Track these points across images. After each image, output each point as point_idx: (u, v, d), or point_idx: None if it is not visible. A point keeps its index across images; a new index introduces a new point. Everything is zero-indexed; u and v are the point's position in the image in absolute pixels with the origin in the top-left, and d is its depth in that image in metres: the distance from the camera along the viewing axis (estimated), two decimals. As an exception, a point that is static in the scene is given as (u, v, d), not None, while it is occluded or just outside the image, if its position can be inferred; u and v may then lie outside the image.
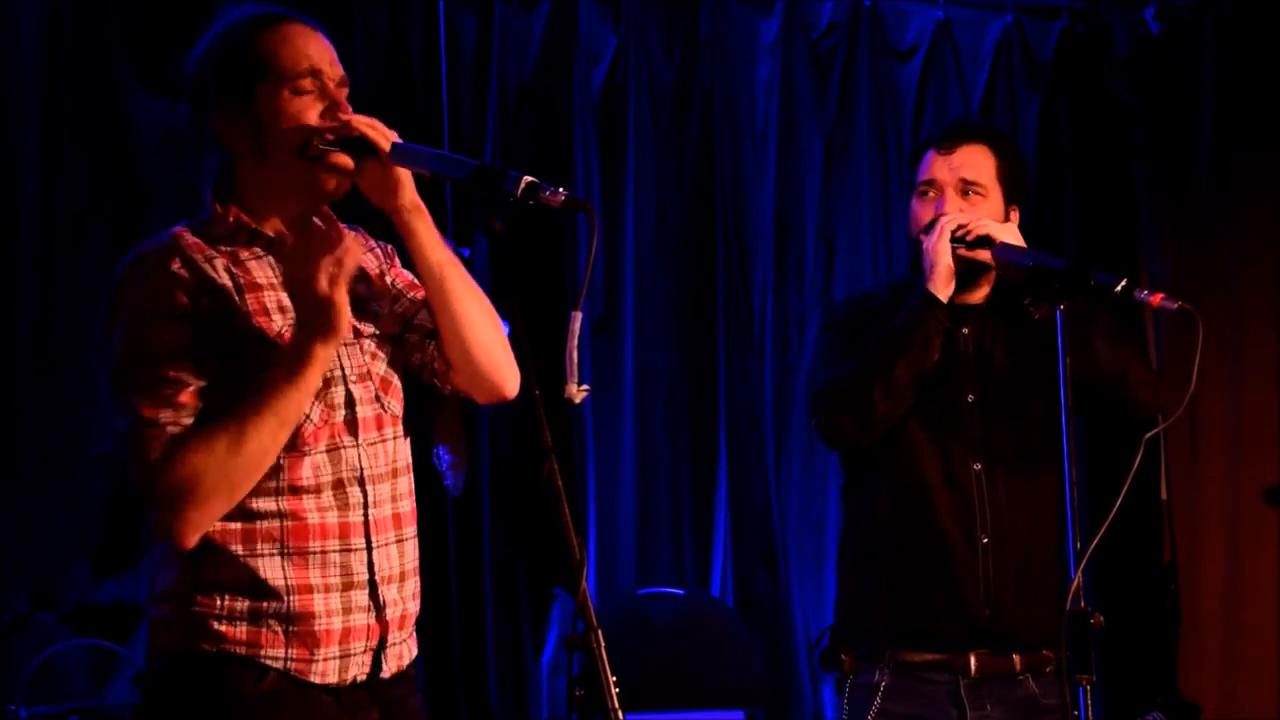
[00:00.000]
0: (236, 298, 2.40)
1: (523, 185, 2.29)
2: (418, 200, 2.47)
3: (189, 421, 2.34)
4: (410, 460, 2.59)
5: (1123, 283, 3.08)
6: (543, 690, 5.12)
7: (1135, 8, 5.67)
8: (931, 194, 3.35)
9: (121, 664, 4.54)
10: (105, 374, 2.38)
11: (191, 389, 2.35)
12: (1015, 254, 3.25)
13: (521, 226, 4.82)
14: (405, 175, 2.44)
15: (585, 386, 2.29)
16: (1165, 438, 5.31)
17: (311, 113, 2.43)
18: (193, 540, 2.34)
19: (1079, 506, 3.03)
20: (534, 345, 2.32)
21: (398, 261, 2.60)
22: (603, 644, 2.23)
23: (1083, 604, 2.93)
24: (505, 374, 2.55)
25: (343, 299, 2.33)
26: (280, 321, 2.41)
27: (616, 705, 2.20)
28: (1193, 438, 5.54)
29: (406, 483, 2.55)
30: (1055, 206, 5.55)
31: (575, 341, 2.26)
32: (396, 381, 2.54)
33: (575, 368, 2.27)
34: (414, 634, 2.55)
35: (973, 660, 3.27)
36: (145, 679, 2.48)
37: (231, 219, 2.45)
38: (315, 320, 2.33)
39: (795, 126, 5.49)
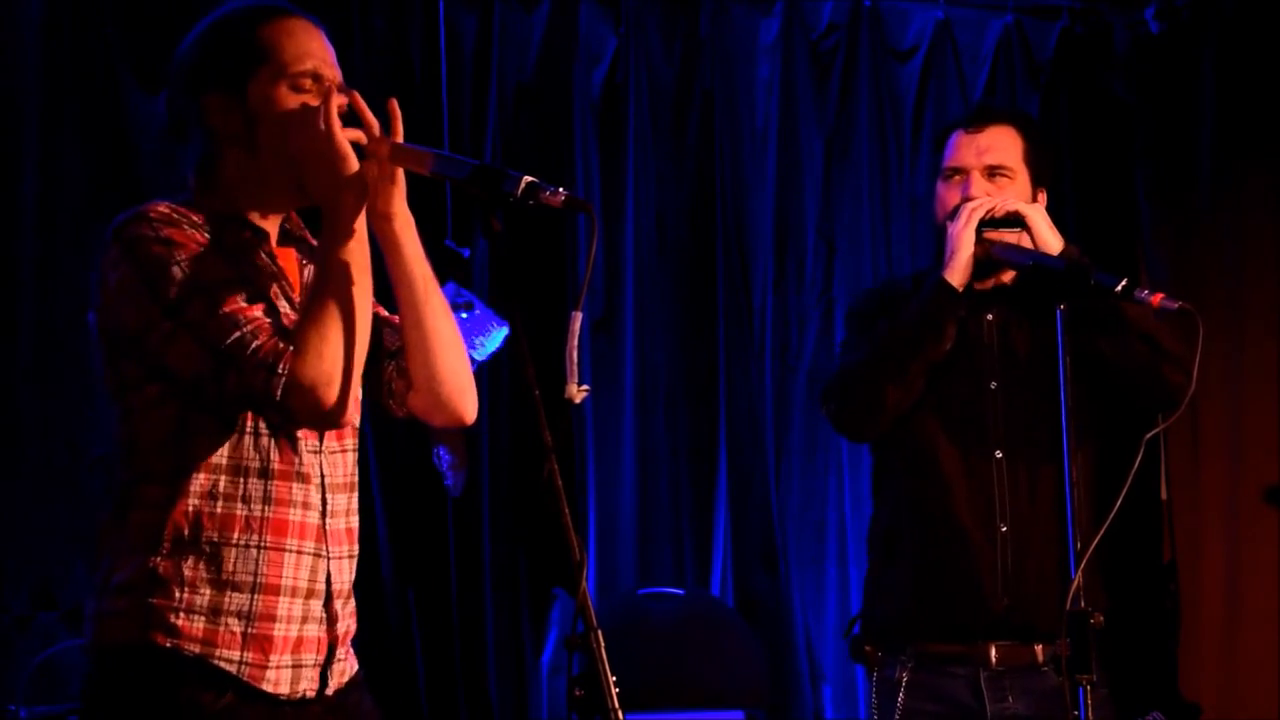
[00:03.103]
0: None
1: (523, 185, 2.27)
2: (408, 212, 2.43)
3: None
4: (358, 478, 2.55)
5: (1123, 282, 3.07)
6: (543, 690, 5.11)
7: (1135, 8, 5.67)
8: (958, 178, 3.34)
9: (121, 664, 4.53)
10: (158, 314, 2.28)
11: (263, 305, 2.32)
12: (1015, 253, 3.25)
13: (521, 226, 4.82)
14: (400, 184, 2.41)
15: (585, 386, 2.28)
16: (1165, 438, 5.30)
17: None
18: (347, 411, 2.31)
19: (1093, 499, 3.02)
20: (534, 345, 2.31)
21: None
22: (603, 644, 2.22)
23: (1083, 604, 2.92)
24: (468, 400, 2.53)
25: (339, 136, 2.31)
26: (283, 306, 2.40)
27: (616, 705, 2.20)
28: (1193, 438, 5.54)
29: (356, 499, 2.51)
30: (1055, 206, 5.54)
31: (575, 341, 2.26)
32: (359, 392, 2.48)
33: (575, 368, 2.27)
34: (352, 651, 2.51)
35: (993, 651, 3.26)
36: (89, 678, 2.37)
37: (216, 209, 2.40)
38: (333, 172, 2.31)
39: (795, 126, 5.49)
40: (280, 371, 2.24)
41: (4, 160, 4.67)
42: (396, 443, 4.80)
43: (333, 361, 2.27)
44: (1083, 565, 2.95)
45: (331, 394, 2.27)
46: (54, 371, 4.63)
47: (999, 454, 3.28)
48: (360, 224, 2.35)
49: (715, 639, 4.91)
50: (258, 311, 2.29)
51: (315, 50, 2.42)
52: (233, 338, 2.25)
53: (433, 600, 4.97)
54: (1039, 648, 3.26)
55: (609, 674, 2.20)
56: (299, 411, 2.28)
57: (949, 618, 3.27)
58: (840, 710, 5.35)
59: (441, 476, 4.83)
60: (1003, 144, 3.33)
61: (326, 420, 2.31)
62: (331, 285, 2.30)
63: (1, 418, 4.61)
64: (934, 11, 5.61)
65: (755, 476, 5.36)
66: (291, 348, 2.26)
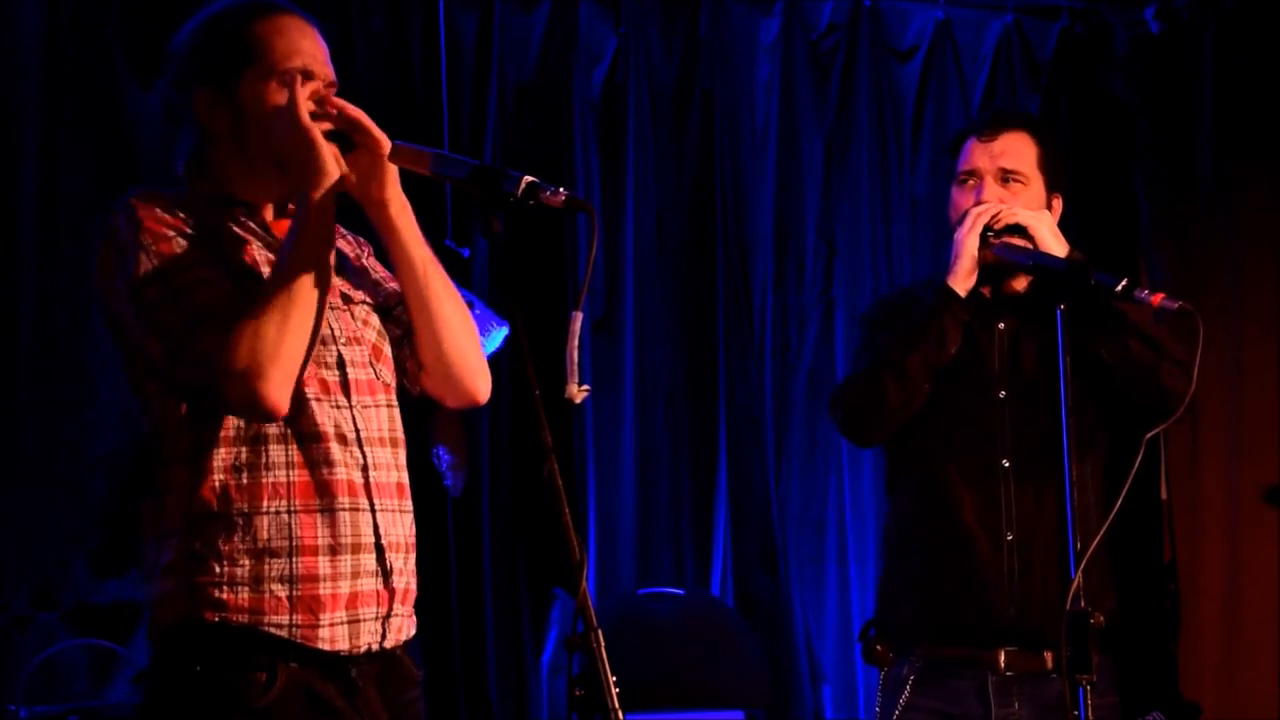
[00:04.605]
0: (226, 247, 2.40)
1: (523, 185, 2.28)
2: (403, 197, 2.44)
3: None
4: (404, 435, 2.56)
5: (1123, 282, 3.07)
6: (543, 690, 5.12)
7: (1135, 8, 5.67)
8: (971, 183, 3.33)
9: (121, 664, 4.54)
10: (126, 298, 2.34)
11: (226, 287, 2.33)
12: (1016, 253, 3.24)
13: (521, 226, 4.81)
14: (393, 170, 2.41)
15: (585, 386, 2.28)
16: (1165, 438, 5.30)
17: None
18: (285, 402, 2.30)
19: (1102, 505, 3.01)
20: (534, 345, 2.32)
21: (373, 253, 2.58)
22: (603, 644, 2.23)
23: (1083, 604, 2.92)
24: (478, 380, 2.55)
25: (319, 136, 2.33)
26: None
27: (616, 705, 2.20)
28: (1193, 438, 5.54)
29: (404, 455, 2.54)
30: (1055, 206, 5.55)
31: (575, 341, 2.26)
32: (387, 351, 2.52)
33: (575, 368, 2.27)
34: (413, 613, 2.52)
35: (1001, 657, 3.26)
36: (149, 660, 2.43)
37: (205, 192, 2.44)
38: (301, 165, 2.33)
39: (795, 126, 5.49)
40: (216, 365, 2.27)
41: (4, 158, 4.68)
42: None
43: (267, 354, 2.27)
44: (1083, 566, 2.95)
45: (264, 384, 2.27)
46: (54, 371, 4.63)
47: (1006, 462, 3.28)
48: (327, 219, 2.35)
49: (715, 639, 4.91)
50: (211, 301, 2.30)
51: (305, 48, 2.44)
52: (180, 331, 2.29)
53: (433, 601, 4.96)
54: (1048, 654, 3.25)
55: (609, 674, 2.21)
56: (233, 402, 2.30)
57: (957, 623, 3.27)
58: (840, 710, 5.35)
59: (441, 476, 4.84)
60: (1016, 150, 3.32)
61: (260, 410, 2.30)
62: (282, 277, 2.31)
63: (1, 418, 4.61)
64: (934, 11, 5.61)
65: (755, 476, 5.36)
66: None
